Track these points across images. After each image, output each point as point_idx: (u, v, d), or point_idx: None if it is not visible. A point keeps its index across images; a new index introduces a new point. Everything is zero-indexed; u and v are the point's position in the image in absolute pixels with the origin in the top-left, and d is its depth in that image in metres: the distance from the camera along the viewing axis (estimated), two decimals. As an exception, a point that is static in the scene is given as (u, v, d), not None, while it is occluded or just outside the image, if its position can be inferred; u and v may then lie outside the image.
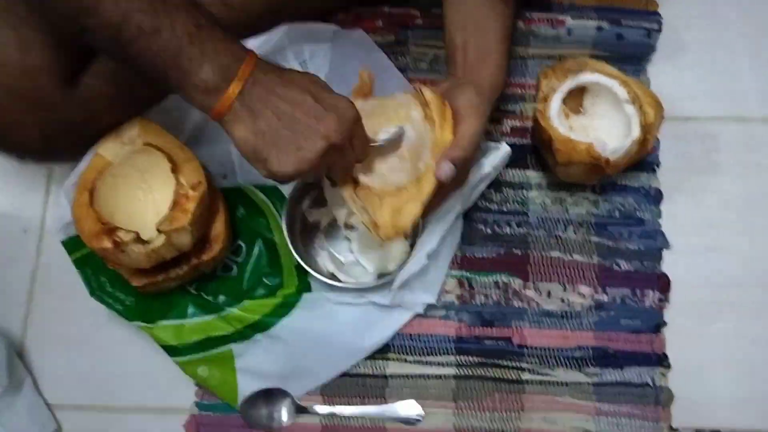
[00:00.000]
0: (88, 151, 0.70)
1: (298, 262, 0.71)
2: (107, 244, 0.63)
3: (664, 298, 0.74)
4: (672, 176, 0.78)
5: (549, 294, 0.75)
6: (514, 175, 0.79)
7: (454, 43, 0.70)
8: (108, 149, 0.69)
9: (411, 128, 0.64)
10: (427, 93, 0.64)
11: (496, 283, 0.75)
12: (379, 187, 0.62)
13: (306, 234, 0.76)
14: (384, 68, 0.80)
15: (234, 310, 0.72)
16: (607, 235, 0.76)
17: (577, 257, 0.76)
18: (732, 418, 0.71)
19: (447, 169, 0.62)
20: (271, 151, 0.55)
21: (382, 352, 0.73)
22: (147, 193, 0.69)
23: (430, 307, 0.74)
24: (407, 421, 0.71)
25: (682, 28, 0.83)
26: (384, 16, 0.83)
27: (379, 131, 0.63)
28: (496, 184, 0.77)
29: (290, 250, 0.71)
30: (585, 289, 0.75)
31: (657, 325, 0.73)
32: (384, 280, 0.71)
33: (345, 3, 0.83)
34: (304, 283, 0.74)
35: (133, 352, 0.75)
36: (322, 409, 0.72)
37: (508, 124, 0.80)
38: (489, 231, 0.77)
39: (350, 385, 0.73)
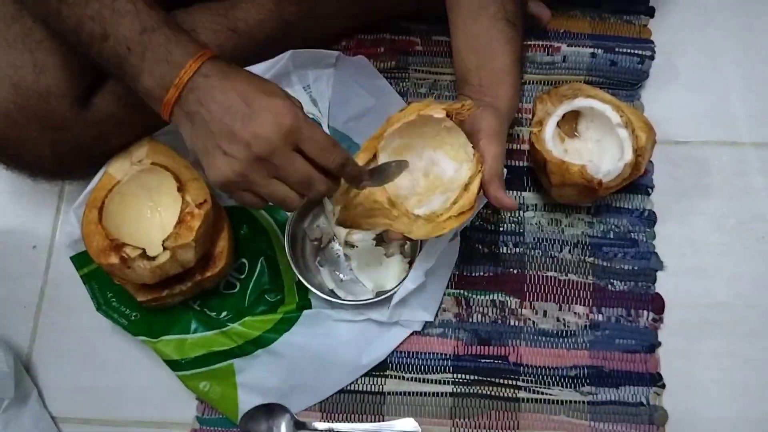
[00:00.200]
0: (99, 169, 0.72)
1: (299, 279, 0.73)
2: (114, 260, 0.65)
3: (658, 318, 0.75)
4: (665, 198, 0.80)
5: (545, 313, 0.76)
6: (511, 196, 0.80)
7: (466, 65, 0.70)
8: (117, 168, 0.72)
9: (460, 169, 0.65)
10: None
11: (493, 301, 0.76)
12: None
13: (307, 252, 0.78)
14: (385, 93, 0.83)
15: (236, 326, 0.73)
16: (602, 255, 0.78)
17: (572, 277, 0.77)
18: (726, 438, 0.72)
19: (509, 197, 0.63)
20: (203, 157, 0.55)
21: (381, 369, 0.74)
22: (154, 211, 0.72)
23: (427, 324, 0.75)
24: (404, 438, 0.73)
25: (674, 55, 0.86)
26: (385, 43, 0.86)
27: (416, 161, 0.64)
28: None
29: (291, 268, 0.73)
30: (580, 309, 0.76)
31: (651, 345, 0.74)
32: (382, 297, 0.73)
33: (348, 30, 0.85)
34: (305, 300, 0.75)
35: (137, 367, 0.76)
36: (321, 425, 0.72)
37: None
38: (486, 250, 0.78)
39: (349, 401, 0.74)
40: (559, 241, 0.78)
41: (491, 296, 0.77)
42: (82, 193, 0.72)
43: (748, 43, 0.87)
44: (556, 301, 0.76)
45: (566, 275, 0.77)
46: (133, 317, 0.74)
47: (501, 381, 0.74)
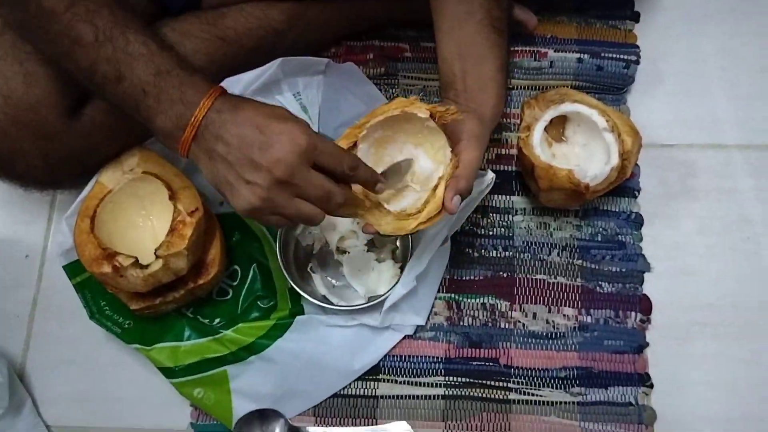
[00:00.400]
0: (90, 179, 0.72)
1: (291, 285, 0.73)
2: (107, 268, 0.66)
3: (646, 320, 0.76)
4: (652, 201, 0.81)
5: (534, 315, 0.77)
6: (500, 200, 0.81)
7: (452, 71, 0.70)
8: (109, 177, 0.72)
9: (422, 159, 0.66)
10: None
11: (484, 305, 0.77)
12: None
13: (299, 258, 0.78)
14: (375, 99, 0.84)
15: (229, 333, 0.73)
16: (590, 258, 0.79)
17: (561, 280, 0.78)
18: (714, 437, 0.73)
19: (456, 202, 0.62)
20: (226, 189, 0.57)
21: (373, 373, 0.75)
22: (146, 220, 0.72)
23: (419, 328, 0.76)
24: (397, 441, 0.73)
25: (659, 60, 0.87)
26: (375, 50, 0.87)
27: (396, 155, 0.65)
28: (483, 209, 0.80)
29: (284, 274, 0.73)
30: (569, 311, 0.77)
31: (639, 346, 0.75)
32: (374, 302, 0.73)
33: (337, 38, 0.86)
34: (297, 306, 0.76)
35: (131, 375, 0.77)
36: (315, 429, 0.73)
37: (494, 152, 0.83)
38: (476, 254, 0.79)
39: (342, 405, 0.74)
40: (547, 244, 0.79)
41: (482, 299, 0.77)
42: (73, 203, 0.72)
43: (732, 47, 0.88)
44: (546, 303, 0.77)
45: (555, 278, 0.78)
46: (126, 325, 0.74)
47: (492, 383, 0.74)
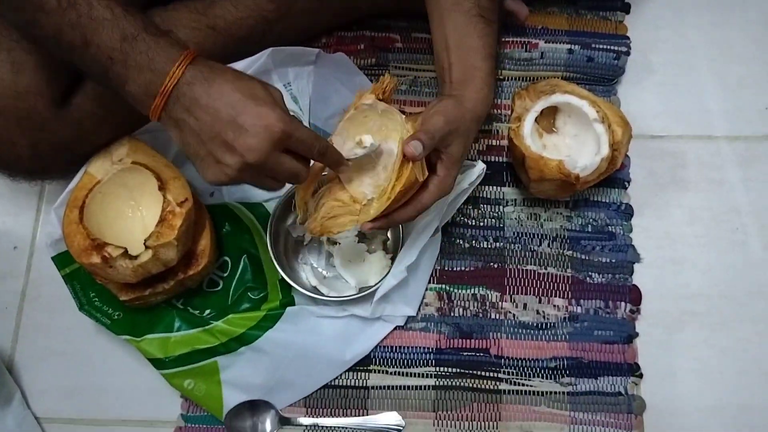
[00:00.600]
0: (79, 169, 0.72)
1: (282, 276, 0.73)
2: (96, 259, 0.65)
3: (636, 310, 0.77)
4: (641, 192, 0.81)
5: (525, 306, 0.77)
6: (491, 191, 0.81)
7: (441, 63, 0.70)
8: (98, 168, 0.71)
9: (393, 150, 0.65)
10: (409, 126, 0.64)
11: (474, 295, 0.77)
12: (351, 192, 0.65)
13: (290, 249, 0.78)
14: (365, 89, 0.83)
15: (219, 324, 0.73)
16: (580, 249, 0.79)
17: (551, 270, 0.78)
18: (703, 426, 0.74)
19: (415, 145, 0.60)
20: (195, 160, 0.58)
21: (364, 364, 0.75)
22: (135, 210, 0.72)
23: (410, 319, 0.76)
24: None
25: (650, 51, 0.87)
26: (365, 40, 0.86)
27: (362, 138, 0.64)
28: (473, 200, 0.80)
29: (274, 265, 0.73)
30: (559, 302, 0.77)
31: (629, 336, 0.76)
32: (365, 293, 0.73)
33: (328, 27, 0.86)
34: (288, 297, 0.76)
35: (121, 366, 0.76)
36: (306, 420, 0.73)
37: (484, 143, 0.83)
38: (467, 245, 0.79)
39: (333, 396, 0.74)
40: (538, 235, 0.80)
41: (472, 290, 0.78)
42: (62, 193, 0.72)
43: (721, 39, 0.88)
44: (536, 294, 0.78)
45: (545, 269, 0.78)
46: (115, 316, 0.74)
47: (483, 373, 0.75)
